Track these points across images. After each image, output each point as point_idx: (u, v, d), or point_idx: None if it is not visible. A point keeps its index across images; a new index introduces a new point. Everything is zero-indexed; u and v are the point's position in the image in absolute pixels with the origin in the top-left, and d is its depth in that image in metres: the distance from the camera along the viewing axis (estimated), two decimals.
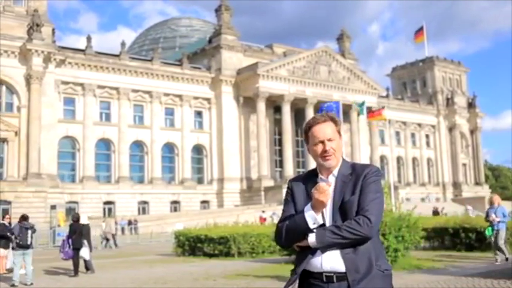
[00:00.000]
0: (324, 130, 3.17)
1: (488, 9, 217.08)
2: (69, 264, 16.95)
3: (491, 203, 16.02)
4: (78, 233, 16.50)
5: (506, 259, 15.14)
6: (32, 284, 14.13)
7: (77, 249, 16.20)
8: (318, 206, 3.00)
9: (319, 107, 20.11)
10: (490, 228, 15.42)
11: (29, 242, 14.55)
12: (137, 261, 21.38)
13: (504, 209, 15.71)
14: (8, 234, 17.65)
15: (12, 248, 14.81)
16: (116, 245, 31.85)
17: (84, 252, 16.47)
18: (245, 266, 16.84)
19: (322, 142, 3.15)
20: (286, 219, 3.15)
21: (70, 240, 16.12)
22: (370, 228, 2.94)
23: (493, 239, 15.38)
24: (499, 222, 15.17)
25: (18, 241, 14.45)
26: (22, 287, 14.06)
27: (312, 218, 3.00)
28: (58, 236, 32.17)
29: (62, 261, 17.44)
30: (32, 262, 14.77)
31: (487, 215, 15.69)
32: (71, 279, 15.58)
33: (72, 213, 17.00)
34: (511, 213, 18.19)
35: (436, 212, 43.45)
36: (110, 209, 56.45)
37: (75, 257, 16.23)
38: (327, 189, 2.98)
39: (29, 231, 14.60)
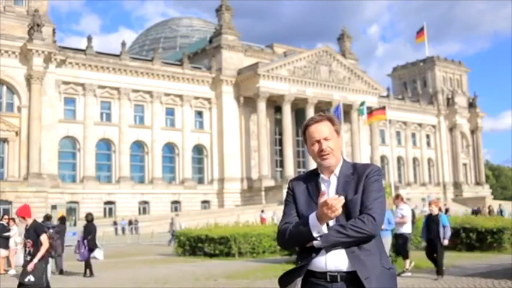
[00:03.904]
0: (320, 129, 3.16)
1: (487, 11, 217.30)
2: (72, 264, 16.93)
3: None
4: (93, 233, 16.41)
5: None
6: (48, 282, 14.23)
7: (91, 249, 16.12)
8: (324, 219, 2.93)
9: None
10: None
11: None
12: (138, 261, 21.37)
13: (391, 214, 13.34)
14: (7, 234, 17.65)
15: None
16: None
17: (98, 253, 16.36)
18: (246, 266, 16.84)
19: (319, 141, 3.15)
20: (289, 223, 3.12)
21: (85, 241, 16.01)
22: (375, 226, 2.96)
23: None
24: (381, 229, 12.94)
25: None
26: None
27: (316, 228, 2.95)
28: None
29: (65, 260, 17.39)
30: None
31: None
32: (72, 279, 15.58)
33: (86, 214, 16.89)
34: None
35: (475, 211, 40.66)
36: (110, 209, 56.52)
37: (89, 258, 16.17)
38: (337, 204, 2.87)
39: (52, 231, 14.66)
